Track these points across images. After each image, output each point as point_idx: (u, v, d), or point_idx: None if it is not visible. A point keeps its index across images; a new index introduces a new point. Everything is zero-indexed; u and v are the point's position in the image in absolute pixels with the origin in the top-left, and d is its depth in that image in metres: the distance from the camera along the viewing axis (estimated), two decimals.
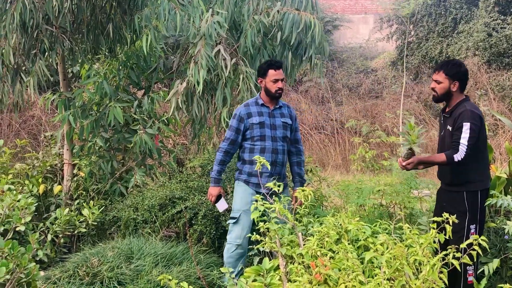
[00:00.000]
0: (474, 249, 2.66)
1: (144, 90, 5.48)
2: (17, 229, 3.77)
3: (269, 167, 3.28)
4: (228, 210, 4.12)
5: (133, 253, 4.02)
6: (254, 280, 2.82)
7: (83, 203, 4.71)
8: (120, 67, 5.32)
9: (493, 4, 11.23)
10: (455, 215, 2.78)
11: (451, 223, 2.72)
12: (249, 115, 3.84)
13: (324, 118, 11.19)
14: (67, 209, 4.47)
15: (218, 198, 3.93)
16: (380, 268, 2.54)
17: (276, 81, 3.81)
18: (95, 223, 4.54)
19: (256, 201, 2.94)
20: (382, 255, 2.57)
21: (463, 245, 2.71)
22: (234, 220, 3.80)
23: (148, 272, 3.80)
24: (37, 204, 4.51)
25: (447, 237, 2.73)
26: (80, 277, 3.79)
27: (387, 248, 2.61)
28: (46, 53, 4.85)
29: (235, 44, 4.88)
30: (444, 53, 11.82)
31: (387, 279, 2.46)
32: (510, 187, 4.08)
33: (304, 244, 2.84)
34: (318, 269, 2.52)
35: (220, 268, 3.08)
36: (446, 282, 2.51)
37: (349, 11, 15.83)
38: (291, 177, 4.15)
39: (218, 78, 4.75)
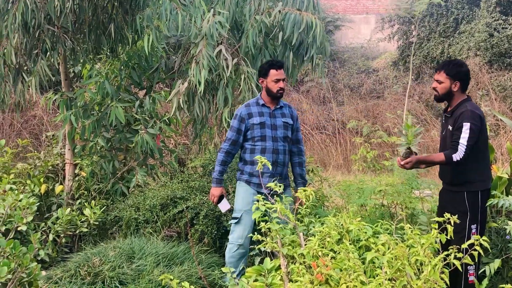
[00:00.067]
0: (475, 249, 2.66)
1: (145, 90, 5.49)
2: (18, 228, 3.77)
3: (270, 167, 3.29)
4: (230, 210, 4.12)
5: (134, 253, 4.03)
6: (256, 280, 2.83)
7: (85, 203, 4.71)
8: (122, 67, 5.33)
9: (494, 5, 11.23)
10: (456, 215, 2.78)
11: (452, 223, 2.72)
12: (250, 116, 3.83)
13: (326, 118, 11.18)
14: (69, 209, 4.47)
15: (220, 198, 3.92)
16: (381, 268, 2.54)
17: (277, 81, 3.81)
18: (97, 223, 4.54)
19: (258, 201, 2.95)
20: (383, 255, 2.57)
21: (464, 245, 2.70)
22: (236, 220, 3.81)
23: (150, 271, 3.80)
24: (38, 203, 4.51)
25: (448, 238, 2.73)
26: (81, 276, 3.79)
27: (388, 248, 2.61)
28: (48, 53, 4.85)
29: (236, 44, 4.88)
30: (446, 53, 11.81)
31: (389, 279, 2.46)
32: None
33: (305, 244, 2.85)
34: (319, 269, 2.52)
35: (222, 268, 3.09)
36: (448, 282, 2.51)
37: (350, 11, 15.80)
38: (292, 178, 4.14)
39: (219, 78, 4.75)
